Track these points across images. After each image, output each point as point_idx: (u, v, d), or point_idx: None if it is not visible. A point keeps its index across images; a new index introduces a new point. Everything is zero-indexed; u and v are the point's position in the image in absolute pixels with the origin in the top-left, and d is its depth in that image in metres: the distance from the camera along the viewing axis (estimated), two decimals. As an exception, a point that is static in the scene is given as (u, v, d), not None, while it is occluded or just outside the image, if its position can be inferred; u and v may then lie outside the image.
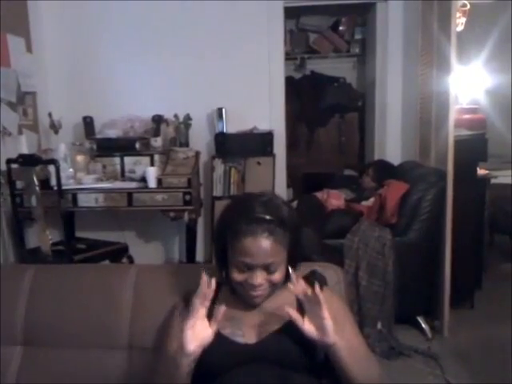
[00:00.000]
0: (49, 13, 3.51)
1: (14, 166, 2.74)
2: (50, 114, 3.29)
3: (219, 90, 3.55)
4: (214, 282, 1.09)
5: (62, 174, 2.82)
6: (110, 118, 3.43)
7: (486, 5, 3.94)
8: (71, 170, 3.13)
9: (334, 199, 3.17)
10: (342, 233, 2.75)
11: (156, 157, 3.24)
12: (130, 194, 3.04)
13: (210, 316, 1.17)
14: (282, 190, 3.55)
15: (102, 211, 3.19)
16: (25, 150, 3.02)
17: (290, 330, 1.13)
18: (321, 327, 1.06)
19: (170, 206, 3.05)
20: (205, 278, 1.09)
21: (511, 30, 3.77)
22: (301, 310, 1.16)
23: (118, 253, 3.16)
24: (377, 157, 3.79)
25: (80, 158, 3.24)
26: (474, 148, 3.00)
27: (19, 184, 2.89)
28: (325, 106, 5.00)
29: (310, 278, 1.23)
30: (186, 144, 3.38)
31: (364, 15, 4.62)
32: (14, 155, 2.75)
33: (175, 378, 1.08)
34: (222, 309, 1.08)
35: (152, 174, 3.06)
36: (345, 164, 4.94)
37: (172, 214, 3.08)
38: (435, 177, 2.78)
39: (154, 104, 3.46)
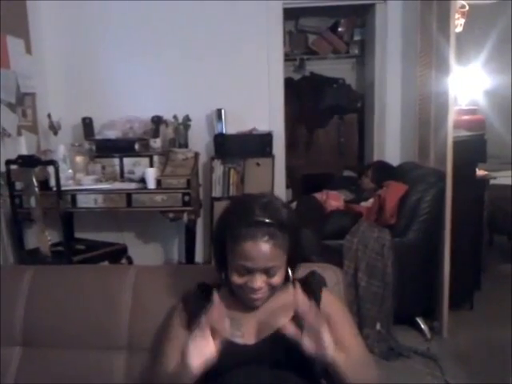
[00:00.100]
0: (48, 14, 3.52)
1: (14, 166, 2.74)
2: (49, 115, 3.29)
3: (218, 91, 3.55)
4: (216, 297, 1.08)
5: (62, 175, 2.82)
6: (109, 119, 3.43)
7: (485, 6, 3.94)
8: (70, 170, 3.13)
9: (334, 200, 3.17)
10: (341, 234, 2.76)
11: (155, 158, 3.24)
12: (129, 195, 3.04)
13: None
14: (281, 190, 3.55)
15: (101, 212, 3.19)
16: (24, 151, 3.02)
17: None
18: (320, 343, 1.03)
19: (169, 206, 3.05)
20: (217, 298, 1.07)
21: (511, 31, 3.77)
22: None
23: (117, 254, 3.16)
24: (376, 158, 3.79)
25: (79, 159, 3.24)
26: (472, 149, 3.00)
27: (18, 185, 2.89)
28: (324, 107, 5.00)
29: (310, 279, 1.23)
30: (186, 145, 3.38)
31: (363, 16, 4.62)
32: (13, 156, 2.76)
33: None
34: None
35: (151, 174, 3.06)
36: (344, 165, 4.95)
37: (171, 215, 3.09)
38: (434, 178, 2.78)
39: (153, 105, 3.46)
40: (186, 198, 3.03)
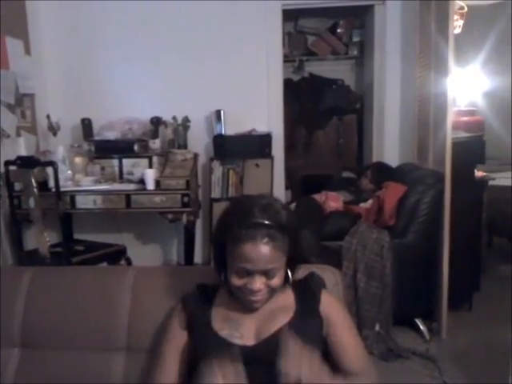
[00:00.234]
0: (47, 15, 3.52)
1: (13, 167, 2.74)
2: (48, 116, 3.29)
3: (218, 92, 3.55)
4: None
5: (60, 176, 2.82)
6: (108, 120, 3.43)
7: (484, 7, 3.95)
8: (69, 171, 3.13)
9: (333, 201, 3.17)
10: (340, 235, 2.76)
11: (154, 159, 3.24)
12: (128, 196, 3.04)
13: (207, 319, 1.17)
14: (280, 191, 3.55)
15: (100, 213, 3.19)
16: (23, 152, 3.02)
17: (289, 331, 1.13)
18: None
19: (169, 207, 3.05)
20: None
21: (511, 33, 3.77)
22: (298, 313, 1.17)
23: (116, 255, 3.17)
24: (375, 159, 3.79)
25: (78, 160, 3.25)
26: (471, 150, 3.01)
27: (17, 186, 2.89)
28: (323, 108, 5.01)
29: (309, 281, 1.23)
30: (185, 146, 3.38)
31: (362, 18, 4.63)
32: (12, 157, 2.76)
33: None
34: None
35: (150, 175, 3.06)
36: (343, 166, 4.95)
37: (170, 216, 3.09)
38: (433, 179, 2.78)
39: (153, 106, 3.47)
40: (185, 199, 3.04)
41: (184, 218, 3.14)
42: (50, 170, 2.82)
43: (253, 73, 3.57)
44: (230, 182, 3.37)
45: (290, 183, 4.54)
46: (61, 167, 2.91)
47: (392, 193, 2.90)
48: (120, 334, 1.36)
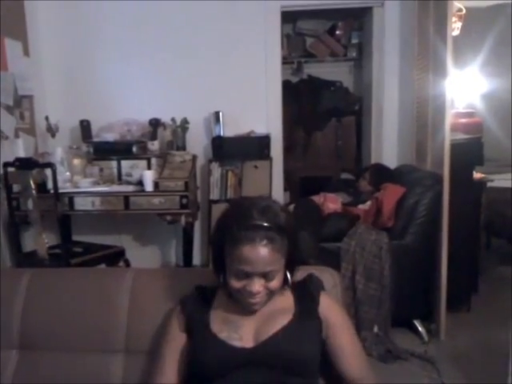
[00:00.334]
0: (46, 16, 3.52)
1: (11, 169, 2.74)
2: (46, 118, 3.29)
3: (216, 94, 3.56)
4: None
5: (59, 178, 2.82)
6: (107, 122, 3.43)
7: (482, 10, 3.96)
8: (68, 173, 3.13)
9: (331, 203, 3.17)
10: (338, 236, 2.76)
11: (153, 160, 3.24)
12: (126, 198, 3.04)
13: (206, 321, 1.17)
14: (279, 193, 3.55)
15: (98, 215, 3.19)
16: (21, 154, 3.02)
17: (288, 333, 1.13)
18: None
19: (167, 209, 3.05)
20: None
21: (510, 34, 3.78)
22: (297, 315, 1.17)
23: (115, 256, 3.16)
24: (373, 160, 3.80)
25: (77, 162, 3.25)
26: (470, 152, 3.01)
27: (16, 187, 2.88)
28: (322, 109, 5.01)
29: (307, 282, 1.23)
30: (183, 147, 3.38)
31: (360, 19, 4.63)
32: (10, 159, 2.75)
33: None
34: None
35: (149, 177, 3.06)
36: (342, 168, 4.95)
37: (169, 218, 3.08)
38: (431, 180, 2.79)
39: (151, 107, 3.47)
40: (184, 201, 3.03)
41: (182, 219, 3.14)
42: (48, 172, 2.81)
43: (252, 74, 3.57)
44: (229, 184, 3.38)
45: (288, 185, 4.54)
46: (59, 169, 2.91)
47: (390, 194, 2.90)
48: (118, 336, 1.36)
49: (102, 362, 1.36)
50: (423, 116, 3.16)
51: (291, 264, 1.18)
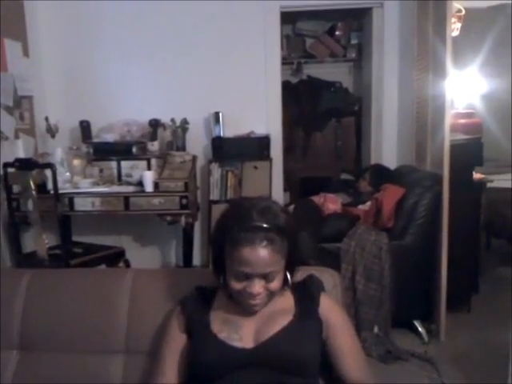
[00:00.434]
0: (46, 17, 3.52)
1: (11, 170, 2.74)
2: (46, 118, 3.29)
3: (216, 94, 3.56)
4: None
5: (59, 178, 2.82)
6: (106, 122, 3.43)
7: (482, 10, 3.96)
8: (68, 174, 3.13)
9: (331, 203, 3.18)
10: (338, 237, 2.76)
11: (153, 161, 3.24)
12: (126, 198, 3.04)
13: (206, 322, 1.17)
14: (278, 194, 3.55)
15: (98, 215, 3.19)
16: (21, 154, 3.02)
17: (288, 334, 1.13)
18: None
19: (167, 209, 3.05)
20: None
21: (510, 35, 3.78)
22: (298, 315, 1.17)
23: (115, 257, 3.16)
24: (373, 161, 3.80)
25: (77, 162, 3.25)
26: (469, 152, 3.01)
27: (16, 188, 2.88)
28: (321, 110, 5.02)
29: (308, 283, 1.23)
30: (183, 148, 3.38)
31: (360, 20, 4.63)
32: (10, 159, 2.75)
33: None
34: None
35: (149, 177, 3.06)
36: (341, 168, 4.95)
37: (169, 218, 3.09)
38: (431, 181, 2.79)
39: (151, 108, 3.47)
40: (184, 201, 3.03)
41: (182, 220, 3.14)
42: (48, 172, 2.81)
43: (251, 75, 3.57)
44: (229, 184, 3.38)
45: (288, 185, 4.54)
46: (59, 169, 2.91)
47: (390, 195, 2.90)
48: (118, 337, 1.36)
49: (102, 363, 1.36)
50: (423, 116, 3.16)
51: (291, 265, 1.18)
